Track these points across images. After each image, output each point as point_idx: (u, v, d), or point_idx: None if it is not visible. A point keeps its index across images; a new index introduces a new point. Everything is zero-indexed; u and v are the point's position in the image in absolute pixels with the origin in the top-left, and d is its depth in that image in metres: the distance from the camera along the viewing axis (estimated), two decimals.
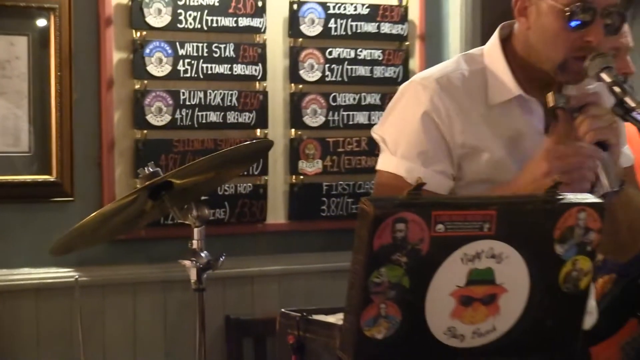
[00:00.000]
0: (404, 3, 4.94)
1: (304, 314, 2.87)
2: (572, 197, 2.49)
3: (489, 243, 2.40)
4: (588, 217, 2.46)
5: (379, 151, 2.93)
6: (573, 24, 2.77)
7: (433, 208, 2.34)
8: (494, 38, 2.95)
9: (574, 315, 2.57)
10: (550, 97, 2.74)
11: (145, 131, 4.39)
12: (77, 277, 4.06)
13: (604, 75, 2.74)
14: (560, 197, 2.46)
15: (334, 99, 4.80)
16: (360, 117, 4.87)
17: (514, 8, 2.87)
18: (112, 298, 4.41)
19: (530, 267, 2.44)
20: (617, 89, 2.73)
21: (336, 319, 2.68)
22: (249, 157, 3.77)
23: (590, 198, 2.52)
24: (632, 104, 2.72)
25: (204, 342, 3.34)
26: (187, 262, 3.23)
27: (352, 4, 4.82)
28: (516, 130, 2.87)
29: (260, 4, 4.62)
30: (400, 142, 2.83)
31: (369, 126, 4.64)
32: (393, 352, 2.40)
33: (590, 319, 3.02)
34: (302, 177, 4.75)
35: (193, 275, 3.23)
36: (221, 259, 3.30)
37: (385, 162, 2.83)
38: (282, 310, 2.95)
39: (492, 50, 2.95)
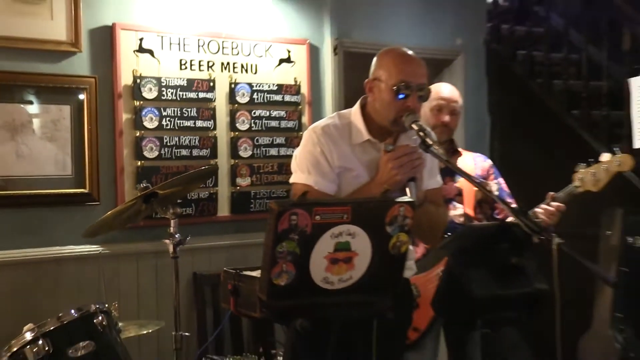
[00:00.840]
0: (298, 82, 5.01)
1: (238, 270, 2.86)
2: (396, 198, 2.67)
3: (347, 226, 2.53)
4: (405, 210, 2.58)
5: (287, 172, 3.09)
6: (399, 96, 2.90)
7: (313, 206, 2.51)
8: (357, 105, 3.06)
9: (397, 268, 2.69)
10: (383, 146, 2.93)
11: (142, 161, 4.46)
12: (100, 250, 4.23)
13: (413, 125, 2.91)
14: (389, 198, 2.67)
15: (257, 141, 4.88)
16: (273, 152, 4.93)
17: (366, 87, 3.00)
18: (123, 264, 4.43)
19: (372, 240, 2.57)
20: (420, 133, 2.91)
21: (257, 273, 2.66)
22: (204, 177, 3.91)
23: (406, 198, 2.66)
24: (430, 143, 2.91)
25: (178, 289, 3.51)
26: (167, 241, 3.41)
27: (267, 84, 4.89)
28: (369, 159, 2.98)
29: (212, 84, 4.69)
30: (305, 165, 2.95)
31: (278, 157, 4.84)
32: (291, 293, 2.51)
33: (410, 272, 3.13)
34: (238, 187, 4.81)
35: (170, 249, 3.40)
36: (188, 238, 3.48)
37: (298, 177, 2.96)
38: (224, 268, 2.93)
39: (355, 112, 3.04)
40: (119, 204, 4.23)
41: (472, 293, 2.75)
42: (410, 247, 3.14)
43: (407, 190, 2.86)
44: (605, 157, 3.72)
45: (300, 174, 2.98)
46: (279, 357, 4.05)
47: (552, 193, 3.73)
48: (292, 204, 2.51)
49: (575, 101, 5.73)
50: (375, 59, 3.06)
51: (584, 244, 4.75)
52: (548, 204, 3.72)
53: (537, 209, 3.72)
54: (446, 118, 3.84)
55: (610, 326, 4.80)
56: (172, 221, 3.34)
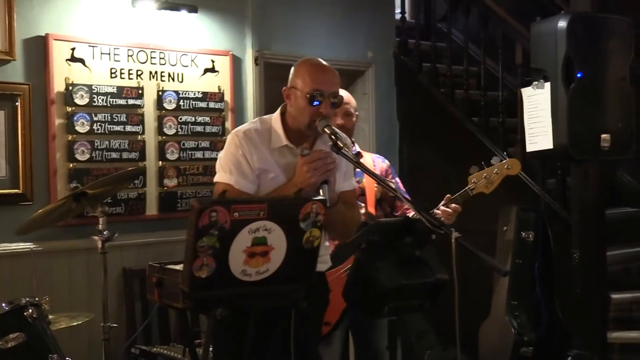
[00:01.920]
0: (221, 90, 4.98)
1: (162, 264, 2.83)
2: (310, 197, 2.68)
3: (263, 222, 2.53)
4: (317, 207, 2.61)
5: (212, 173, 3.11)
6: (314, 103, 2.93)
7: (232, 203, 2.51)
8: (278, 111, 3.08)
9: (311, 261, 2.71)
10: (299, 150, 2.93)
11: (74, 164, 4.37)
12: (32, 247, 4.13)
13: (325, 129, 2.93)
14: (302, 197, 2.68)
15: (183, 145, 4.83)
16: (199, 154, 4.89)
17: (284, 95, 3.02)
18: (56, 260, 4.34)
19: (287, 235, 2.58)
20: (332, 137, 2.94)
21: (180, 267, 2.63)
22: (131, 177, 3.84)
23: (319, 197, 2.72)
24: (341, 145, 2.93)
25: (106, 283, 3.45)
26: (95, 237, 3.34)
27: (192, 91, 4.85)
28: (286, 162, 2.99)
29: (140, 91, 4.64)
30: (228, 165, 2.96)
31: (203, 160, 4.82)
32: (211, 285, 2.50)
33: (325, 266, 3.18)
34: (165, 188, 4.76)
35: (99, 245, 3.34)
36: (116, 235, 3.42)
37: (220, 177, 2.96)
38: (150, 263, 2.89)
39: (275, 118, 3.05)
40: (52, 203, 4.10)
41: (380, 283, 2.77)
42: (326, 243, 3.19)
43: (321, 191, 2.89)
44: (495, 160, 3.81)
45: (222, 174, 2.98)
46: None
47: (449, 195, 3.78)
48: (212, 201, 2.51)
49: (475, 109, 5.84)
50: (292, 69, 3.08)
51: (484, 238, 4.93)
52: (446, 206, 3.76)
53: (436, 210, 3.77)
54: (339, 120, 3.82)
55: (506, 313, 4.89)
56: (100, 219, 3.29)
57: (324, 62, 3.08)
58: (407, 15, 6.53)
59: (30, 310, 3.04)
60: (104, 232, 3.32)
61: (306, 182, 2.89)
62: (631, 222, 5.76)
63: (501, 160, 3.82)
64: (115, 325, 3.47)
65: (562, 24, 4.34)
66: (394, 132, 6.09)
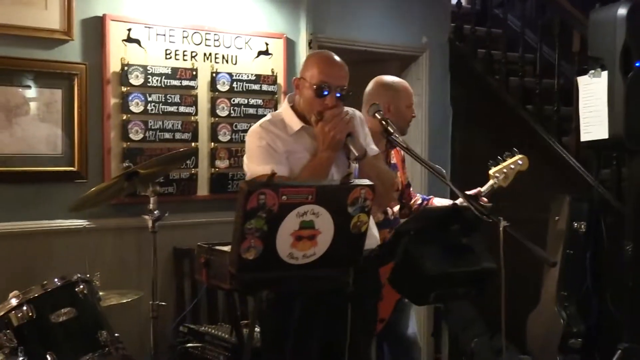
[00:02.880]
0: (275, 73, 4.97)
1: (210, 245, 2.85)
2: (358, 182, 2.68)
3: (311, 207, 2.55)
4: (366, 193, 2.62)
5: None
6: (320, 95, 2.98)
7: (280, 186, 2.54)
8: (285, 102, 3.18)
9: (358, 246, 2.71)
10: (312, 118, 3.02)
11: (128, 143, 4.40)
12: (86, 224, 4.17)
13: (377, 114, 2.98)
14: (351, 182, 2.68)
15: (235, 126, 4.83)
16: None
17: (294, 84, 3.12)
18: (108, 238, 4.37)
19: (334, 220, 2.60)
20: (383, 123, 2.97)
21: (228, 248, 2.66)
22: (182, 158, 3.85)
23: (366, 182, 2.68)
24: (392, 131, 2.96)
25: (156, 261, 3.48)
26: (146, 217, 3.38)
27: (246, 74, 4.85)
28: (307, 143, 3.05)
29: (194, 73, 4.64)
30: (259, 158, 3.02)
31: None
32: (258, 267, 2.53)
33: (373, 241, 3.13)
34: (217, 169, 4.76)
35: (150, 224, 3.37)
36: (166, 214, 3.46)
37: (257, 171, 2.98)
38: (198, 243, 2.92)
39: (284, 109, 3.14)
40: (106, 181, 4.15)
41: (426, 270, 2.78)
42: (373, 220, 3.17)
43: (350, 145, 2.92)
44: (509, 157, 3.94)
45: (257, 167, 3.01)
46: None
47: (479, 189, 3.81)
48: (260, 184, 2.54)
49: (529, 97, 5.77)
50: (305, 60, 3.19)
51: (534, 228, 4.88)
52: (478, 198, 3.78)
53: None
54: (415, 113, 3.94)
55: (555, 303, 4.86)
56: (151, 198, 3.32)
57: (335, 56, 3.12)
58: (463, 1, 6.48)
59: (82, 286, 3.10)
60: (155, 212, 3.36)
61: (333, 142, 2.94)
62: None
63: (513, 156, 3.94)
64: (163, 303, 3.51)
65: (622, 11, 4.28)
66: (447, 118, 6.03)
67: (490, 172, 3.93)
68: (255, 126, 3.10)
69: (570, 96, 5.27)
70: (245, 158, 3.12)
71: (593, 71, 4.43)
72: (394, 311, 3.86)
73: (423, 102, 5.82)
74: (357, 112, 3.19)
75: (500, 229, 2.67)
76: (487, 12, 6.34)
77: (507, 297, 4.70)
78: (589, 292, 4.87)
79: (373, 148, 3.20)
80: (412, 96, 3.91)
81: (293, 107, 3.11)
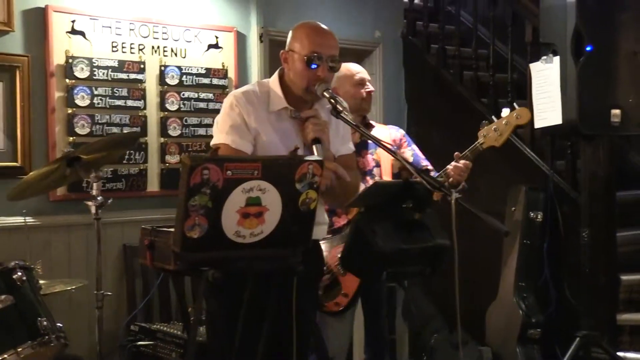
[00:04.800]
0: (225, 67, 4.90)
1: (154, 227, 2.75)
2: (305, 157, 2.58)
3: (257, 182, 2.44)
4: (314, 168, 2.51)
5: None
6: (311, 66, 2.84)
7: (225, 161, 2.42)
8: (275, 74, 2.99)
9: (307, 225, 2.61)
10: (289, 113, 2.89)
11: (74, 137, 4.30)
12: (27, 220, 3.96)
13: (325, 93, 2.86)
14: (297, 156, 2.58)
15: (186, 121, 4.75)
16: (201, 131, 4.80)
17: (281, 58, 2.95)
18: (55, 235, 4.28)
19: (282, 196, 2.49)
20: (332, 101, 2.86)
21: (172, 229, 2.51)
22: (126, 143, 3.73)
23: (315, 157, 2.61)
24: (341, 109, 2.86)
25: (100, 251, 3.34)
26: (89, 202, 3.25)
27: (195, 67, 4.77)
28: (283, 126, 2.91)
29: (142, 66, 4.56)
30: (225, 126, 2.85)
31: (206, 137, 4.70)
32: (204, 245, 2.42)
33: (322, 232, 3.08)
34: (167, 164, 4.68)
35: (93, 210, 3.24)
36: (110, 201, 3.33)
37: (217, 138, 2.85)
38: (142, 226, 2.81)
39: (273, 81, 2.96)
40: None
41: (378, 247, 2.68)
42: (324, 210, 3.09)
43: (315, 150, 2.80)
44: (505, 112, 3.69)
45: (219, 135, 2.88)
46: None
47: (457, 153, 3.66)
48: (204, 159, 2.41)
49: (484, 91, 5.72)
50: (290, 32, 2.99)
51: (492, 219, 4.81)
52: (456, 162, 3.65)
53: (448, 167, 3.67)
54: (370, 87, 3.82)
55: (514, 294, 4.81)
56: (94, 184, 3.20)
57: (323, 26, 2.99)
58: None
59: (20, 274, 2.97)
60: (98, 198, 3.23)
61: (315, 126, 2.84)
62: None
63: (511, 111, 3.68)
64: (109, 293, 3.38)
65: None
66: (402, 112, 5.99)
67: (479, 132, 3.72)
68: (237, 92, 2.95)
69: (524, 90, 5.23)
70: (216, 118, 2.97)
71: (545, 57, 4.38)
72: (360, 291, 3.75)
73: (378, 96, 5.75)
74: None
75: (452, 201, 2.58)
76: (439, 8, 6.28)
77: (465, 291, 4.63)
78: (547, 281, 4.82)
79: (349, 147, 3.12)
80: (357, 73, 3.77)
81: (282, 81, 2.96)
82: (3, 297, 2.89)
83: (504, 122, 3.64)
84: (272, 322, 2.82)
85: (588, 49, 4.22)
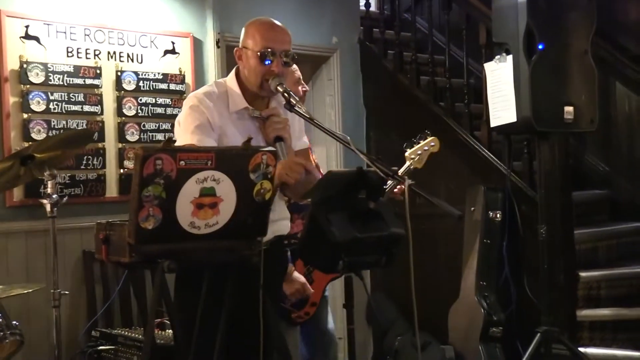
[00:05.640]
0: (182, 72, 4.91)
1: (109, 221, 2.72)
2: (260, 147, 2.60)
3: (211, 172, 2.45)
4: (268, 158, 2.53)
5: None
6: (265, 62, 2.86)
7: (177, 151, 2.43)
8: (232, 73, 3.00)
9: (263, 216, 2.63)
10: (249, 112, 2.90)
11: (30, 143, 4.20)
12: None
13: (278, 87, 2.88)
14: (252, 146, 2.59)
15: (144, 126, 4.74)
16: (160, 136, 4.78)
17: (235, 56, 2.96)
18: (13, 240, 4.23)
19: (236, 187, 2.50)
20: (285, 95, 2.88)
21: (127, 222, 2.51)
22: (81, 140, 3.70)
23: (269, 148, 2.62)
24: (294, 102, 2.88)
25: (56, 248, 3.31)
26: (44, 200, 3.22)
27: (152, 73, 4.77)
28: (244, 125, 2.92)
29: (98, 71, 4.54)
30: (189, 126, 2.84)
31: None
32: (158, 237, 2.42)
33: (285, 228, 3.12)
34: (126, 169, 4.65)
35: (48, 208, 3.21)
36: (65, 199, 3.31)
37: (183, 139, 2.83)
38: (97, 221, 2.74)
39: (230, 80, 2.98)
40: None
41: (334, 236, 2.67)
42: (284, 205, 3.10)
43: (278, 150, 2.78)
44: (422, 139, 4.04)
45: (185, 135, 2.86)
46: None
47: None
48: (156, 149, 2.41)
49: (441, 96, 5.79)
50: (243, 29, 3.00)
51: (451, 220, 4.86)
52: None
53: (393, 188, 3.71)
54: (306, 87, 3.90)
55: (476, 293, 4.85)
56: (49, 182, 3.17)
57: (275, 21, 3.01)
58: (372, 7, 6.51)
59: None
60: (53, 196, 3.20)
61: (274, 126, 2.86)
62: (599, 204, 5.76)
63: (425, 138, 4.02)
64: (66, 292, 3.35)
65: None
66: (361, 118, 6.03)
67: (406, 154, 3.99)
68: (198, 93, 2.94)
69: (481, 94, 5.30)
70: (176, 124, 2.97)
71: (498, 56, 4.45)
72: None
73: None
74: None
75: (405, 187, 2.60)
76: (395, 16, 6.35)
77: (427, 293, 4.66)
78: (508, 280, 4.87)
79: (304, 141, 3.15)
80: (296, 71, 3.83)
81: (239, 80, 2.97)
82: None
83: (424, 149, 4.00)
84: (231, 317, 2.81)
85: (540, 47, 4.29)
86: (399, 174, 3.56)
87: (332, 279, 3.85)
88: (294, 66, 3.78)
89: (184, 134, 2.86)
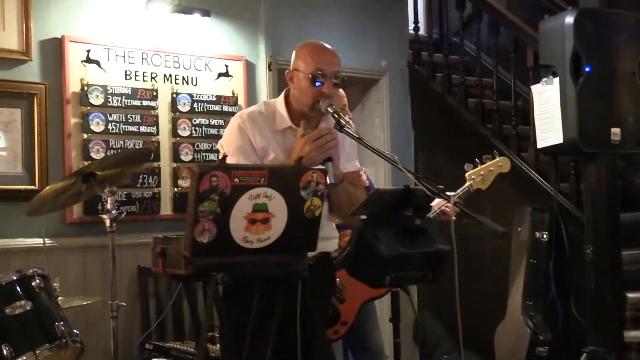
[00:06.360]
0: (235, 95, 5.04)
1: (166, 235, 2.77)
2: (309, 165, 2.69)
3: (264, 189, 2.53)
4: (318, 176, 2.59)
5: None
6: (316, 84, 2.93)
7: (232, 169, 2.51)
8: (282, 95, 3.07)
9: (312, 231, 2.68)
10: (301, 130, 2.94)
11: (89, 162, 4.37)
12: (47, 242, 3.97)
13: (329, 109, 2.94)
14: (302, 165, 2.68)
15: (197, 146, 4.87)
16: (212, 156, 4.90)
17: (287, 78, 3.03)
18: (71, 255, 4.38)
19: (288, 203, 2.57)
20: (335, 116, 2.95)
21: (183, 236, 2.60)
22: (139, 158, 3.81)
23: (319, 166, 2.70)
24: (344, 123, 2.95)
25: (115, 263, 3.42)
26: (104, 216, 3.35)
27: (206, 95, 4.91)
28: (289, 145, 2.97)
29: (155, 93, 4.70)
30: (231, 147, 2.94)
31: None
32: (213, 250, 2.50)
33: (333, 245, 3.16)
34: (180, 188, 4.78)
35: (107, 223, 3.33)
36: (123, 214, 3.42)
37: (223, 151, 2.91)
38: (155, 235, 2.82)
39: (279, 101, 3.05)
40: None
41: (380, 252, 2.75)
42: (333, 224, 3.18)
43: (327, 167, 2.86)
44: (487, 159, 3.88)
45: (228, 157, 2.94)
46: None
47: (451, 193, 3.72)
48: (212, 167, 2.51)
49: (488, 117, 5.83)
50: (294, 52, 3.09)
51: (499, 240, 4.92)
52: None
53: (443, 207, 3.71)
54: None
55: (522, 313, 4.85)
56: (109, 199, 3.29)
57: (326, 44, 3.09)
58: (421, 31, 6.60)
59: (38, 281, 3.09)
60: (112, 211, 3.33)
61: (309, 161, 2.86)
62: None
63: (493, 159, 3.88)
64: (123, 304, 3.46)
65: (569, 19, 4.37)
66: (409, 139, 6.10)
67: (467, 174, 3.90)
68: (243, 113, 3.04)
69: (528, 117, 5.33)
70: (222, 138, 3.07)
71: (545, 79, 4.49)
72: (358, 315, 3.84)
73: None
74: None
75: (451, 203, 2.68)
76: (443, 39, 6.43)
77: (475, 313, 4.69)
78: (554, 299, 4.86)
79: (355, 164, 3.20)
80: (342, 98, 3.91)
81: (287, 102, 3.05)
82: (22, 302, 3.00)
83: (489, 169, 3.85)
84: (280, 330, 2.87)
85: (587, 69, 4.32)
86: (459, 193, 3.69)
87: (367, 300, 3.85)
88: (342, 92, 3.87)
89: (230, 155, 2.94)
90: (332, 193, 2.91)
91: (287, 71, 3.07)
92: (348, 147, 3.13)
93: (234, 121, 3.03)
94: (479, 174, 3.84)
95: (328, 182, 2.78)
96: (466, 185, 3.83)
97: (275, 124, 3.03)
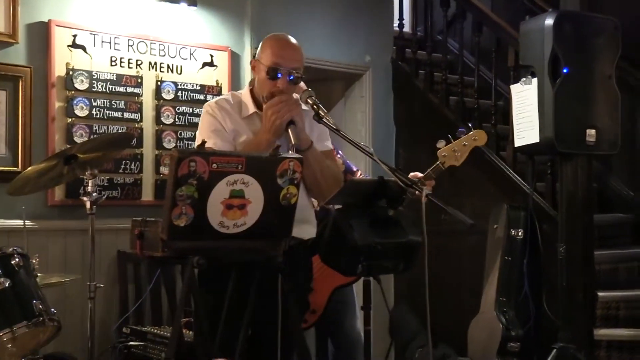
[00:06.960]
0: (220, 84, 5.08)
1: (144, 218, 2.87)
2: (286, 154, 2.73)
3: (241, 176, 2.60)
4: (294, 165, 2.67)
5: None
6: (272, 78, 3.01)
7: (211, 155, 2.57)
8: (247, 85, 3.21)
9: (288, 218, 2.75)
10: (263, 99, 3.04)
11: (72, 145, 4.30)
12: (27, 223, 3.90)
13: (308, 100, 3.00)
14: (280, 154, 2.73)
15: (180, 134, 4.92)
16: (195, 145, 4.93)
17: (251, 66, 3.17)
18: (52, 238, 4.41)
19: (264, 190, 2.64)
20: (314, 107, 3.01)
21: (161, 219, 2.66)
22: (121, 143, 3.82)
23: (295, 155, 2.74)
24: (322, 114, 3.01)
25: (94, 244, 3.44)
26: (84, 198, 3.38)
27: (190, 83, 4.95)
28: (257, 128, 3.06)
29: (139, 80, 4.74)
30: (205, 132, 3.04)
31: None
32: (190, 234, 2.56)
33: (312, 231, 3.18)
34: (161, 175, 4.82)
35: (88, 205, 3.36)
36: (104, 197, 3.45)
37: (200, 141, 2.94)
38: (133, 218, 2.90)
39: (244, 91, 3.17)
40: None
41: (353, 240, 2.82)
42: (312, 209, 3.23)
43: (290, 133, 2.94)
44: (462, 134, 3.73)
45: (202, 139, 3.01)
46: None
47: (419, 174, 3.66)
48: (191, 152, 2.57)
49: (469, 115, 5.90)
50: (261, 42, 3.17)
51: (475, 237, 4.99)
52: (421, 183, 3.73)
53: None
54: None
55: (495, 308, 4.91)
56: (90, 181, 3.32)
57: (290, 39, 3.14)
58: (406, 28, 6.66)
59: (17, 259, 3.13)
60: (93, 194, 3.36)
61: (273, 126, 2.95)
62: (622, 227, 5.79)
63: (467, 133, 3.72)
64: (101, 285, 3.49)
65: (549, 21, 4.43)
66: (391, 135, 6.16)
67: (439, 151, 3.71)
68: (211, 102, 3.14)
69: (508, 116, 5.39)
70: (197, 131, 3.16)
71: (524, 79, 4.56)
72: (329, 303, 3.89)
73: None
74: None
75: (423, 197, 2.74)
76: (427, 37, 6.49)
77: (449, 308, 4.73)
78: (527, 296, 4.93)
79: (326, 144, 3.25)
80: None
81: (252, 91, 3.13)
82: (1, 279, 3.04)
83: (462, 143, 3.68)
84: (254, 315, 2.94)
85: (564, 71, 4.39)
86: (429, 172, 3.69)
87: (335, 287, 3.91)
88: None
89: (201, 137, 3.05)
90: (303, 160, 2.94)
91: (251, 60, 3.19)
92: (317, 129, 3.19)
93: (204, 111, 3.14)
94: (450, 150, 3.67)
95: (293, 142, 2.91)
96: (437, 162, 3.68)
97: (241, 112, 3.13)
